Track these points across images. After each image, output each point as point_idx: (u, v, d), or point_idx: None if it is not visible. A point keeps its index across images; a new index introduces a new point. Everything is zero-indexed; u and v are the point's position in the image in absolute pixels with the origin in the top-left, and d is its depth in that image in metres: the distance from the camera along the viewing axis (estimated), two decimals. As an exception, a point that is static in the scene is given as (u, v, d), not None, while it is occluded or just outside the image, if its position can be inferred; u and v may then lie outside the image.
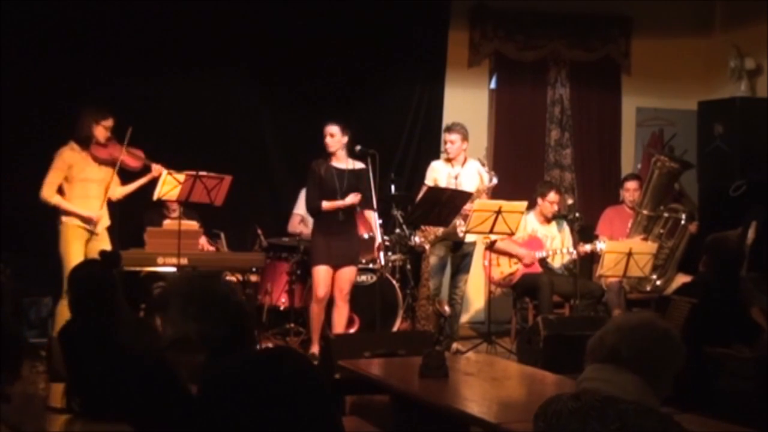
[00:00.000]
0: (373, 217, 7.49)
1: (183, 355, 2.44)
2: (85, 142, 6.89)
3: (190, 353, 2.41)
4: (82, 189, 6.90)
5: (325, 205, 7.07)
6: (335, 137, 7.11)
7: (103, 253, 4.24)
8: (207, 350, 2.42)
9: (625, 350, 2.31)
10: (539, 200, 8.17)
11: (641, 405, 2.23)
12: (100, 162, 6.96)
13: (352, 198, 7.12)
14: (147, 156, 7.14)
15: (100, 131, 6.88)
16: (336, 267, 7.12)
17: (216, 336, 2.40)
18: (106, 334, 3.62)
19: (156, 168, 7.04)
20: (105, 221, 7.03)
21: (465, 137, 7.63)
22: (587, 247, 7.92)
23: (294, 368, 2.47)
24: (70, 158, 6.88)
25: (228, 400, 2.29)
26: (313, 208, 7.16)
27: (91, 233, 6.89)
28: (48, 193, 6.83)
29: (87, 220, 6.86)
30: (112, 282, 3.89)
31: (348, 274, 7.18)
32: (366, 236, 7.74)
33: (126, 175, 7.17)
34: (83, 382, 3.57)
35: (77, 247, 6.82)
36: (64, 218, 6.85)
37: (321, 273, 7.09)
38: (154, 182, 7.01)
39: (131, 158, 7.03)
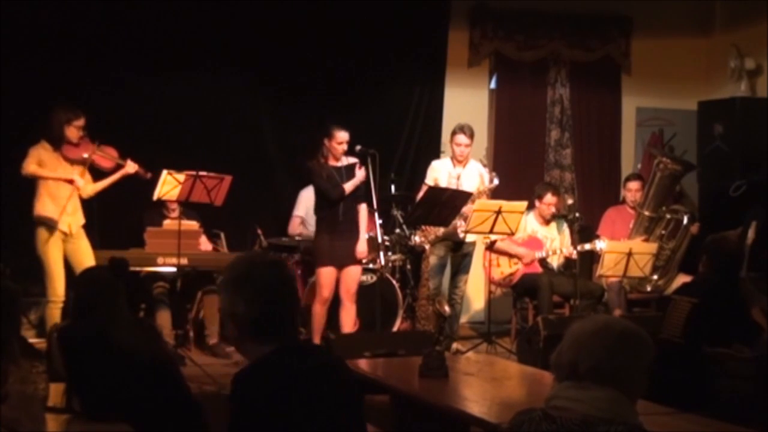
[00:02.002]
0: (363, 211, 7.40)
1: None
2: (57, 142, 6.81)
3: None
4: (53, 189, 6.84)
5: (347, 186, 7.00)
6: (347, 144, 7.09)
7: (112, 260, 4.24)
8: (235, 329, 2.44)
9: (583, 365, 2.21)
10: (536, 202, 8.16)
11: (622, 426, 2.16)
12: (72, 162, 6.89)
13: (362, 172, 7.06)
14: (142, 159, 7.06)
15: (72, 132, 6.80)
16: (341, 267, 7.11)
17: (245, 316, 2.42)
18: (105, 336, 3.62)
19: (129, 164, 6.97)
20: (80, 220, 6.97)
21: (473, 140, 7.66)
22: (587, 246, 7.91)
23: (324, 361, 2.51)
24: (43, 155, 6.82)
25: (259, 390, 2.33)
26: (337, 194, 6.99)
27: (66, 234, 6.85)
28: (26, 165, 6.74)
29: (59, 213, 6.78)
30: (118, 289, 3.90)
31: (354, 273, 7.17)
32: (367, 236, 7.73)
33: (99, 174, 7.11)
34: (83, 383, 3.57)
35: (55, 248, 6.79)
36: (36, 216, 6.79)
37: (326, 274, 7.07)
38: (149, 184, 6.98)
39: (103, 158, 6.96)
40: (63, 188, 6.87)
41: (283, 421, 2.32)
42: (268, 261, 2.54)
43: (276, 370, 2.37)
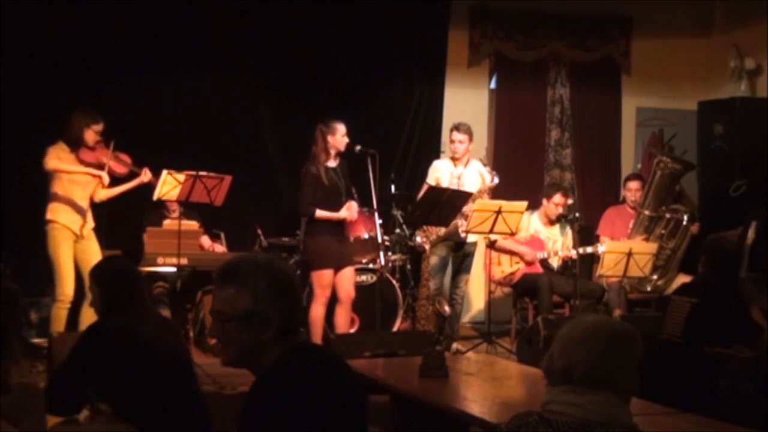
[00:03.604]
0: (353, 206, 7.36)
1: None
2: (75, 144, 6.84)
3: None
4: (67, 190, 6.84)
5: (320, 214, 7.01)
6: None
7: (126, 249, 4.25)
8: (254, 331, 2.41)
9: (577, 371, 2.22)
10: (544, 201, 8.16)
11: (619, 428, 2.16)
12: (87, 165, 6.89)
13: (346, 212, 7.08)
14: (143, 159, 7.06)
15: (90, 135, 6.83)
16: (339, 269, 7.11)
17: (275, 317, 2.41)
18: (136, 330, 3.60)
19: (144, 173, 6.99)
20: (90, 222, 6.98)
21: (471, 138, 7.65)
22: (588, 249, 7.91)
23: (334, 360, 2.51)
24: (61, 155, 6.83)
25: (286, 390, 2.34)
26: (306, 213, 7.07)
27: (77, 236, 6.86)
28: (48, 160, 6.76)
29: (73, 215, 6.81)
30: (140, 277, 3.89)
31: (350, 274, 7.18)
32: (366, 236, 7.73)
33: (112, 180, 7.11)
34: (111, 380, 3.55)
35: (66, 249, 6.79)
36: (49, 217, 6.80)
37: (327, 277, 7.04)
38: (143, 185, 6.99)
39: (118, 164, 6.98)
40: (77, 190, 6.89)
41: (305, 421, 2.32)
42: (272, 258, 2.53)
43: (299, 369, 2.37)
